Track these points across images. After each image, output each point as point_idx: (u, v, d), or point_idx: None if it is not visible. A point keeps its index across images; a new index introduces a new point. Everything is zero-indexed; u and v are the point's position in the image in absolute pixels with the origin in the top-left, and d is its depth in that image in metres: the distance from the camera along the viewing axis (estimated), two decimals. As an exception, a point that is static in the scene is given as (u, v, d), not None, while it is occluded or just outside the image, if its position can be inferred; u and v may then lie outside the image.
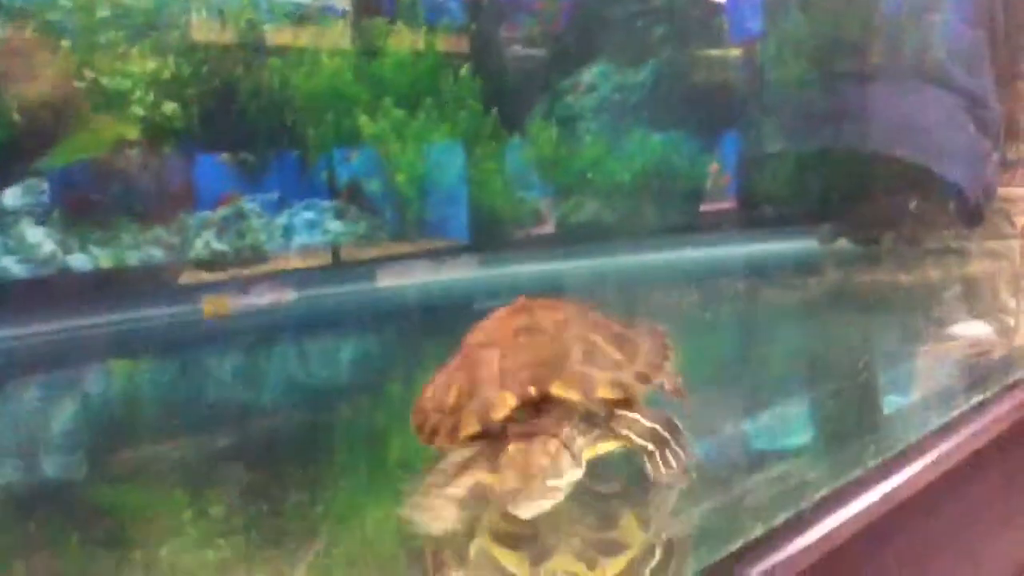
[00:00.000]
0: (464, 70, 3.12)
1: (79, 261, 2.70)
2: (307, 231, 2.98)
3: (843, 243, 3.30)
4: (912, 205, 3.17)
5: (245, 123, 2.91)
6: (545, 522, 0.89)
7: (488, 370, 0.94)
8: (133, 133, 2.75)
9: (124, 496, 1.23)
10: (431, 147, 3.07)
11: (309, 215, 2.99)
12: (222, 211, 2.90)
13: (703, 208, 3.58)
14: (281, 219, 2.96)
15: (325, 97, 2.96)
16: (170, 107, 2.78)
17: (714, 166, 3.56)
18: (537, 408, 0.91)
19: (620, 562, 0.87)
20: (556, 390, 0.90)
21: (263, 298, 2.69)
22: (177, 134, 2.80)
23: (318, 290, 2.81)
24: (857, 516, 1.01)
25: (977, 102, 3.20)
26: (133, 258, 2.78)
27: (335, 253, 3.04)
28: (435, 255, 3.02)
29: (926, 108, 3.20)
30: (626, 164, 3.31)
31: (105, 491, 1.25)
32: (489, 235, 3.16)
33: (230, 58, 2.91)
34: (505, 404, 0.89)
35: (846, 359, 1.78)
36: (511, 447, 0.86)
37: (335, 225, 3.02)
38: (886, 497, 1.07)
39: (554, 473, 0.84)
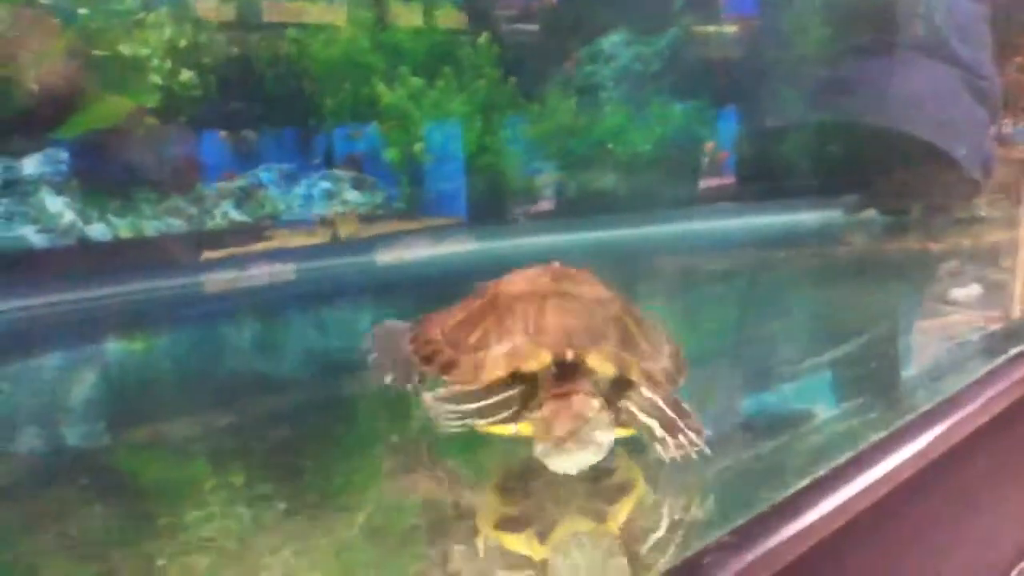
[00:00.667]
0: (483, 38, 3.08)
1: (98, 231, 2.71)
2: (324, 201, 2.97)
3: (871, 213, 3.26)
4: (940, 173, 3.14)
5: (261, 92, 2.89)
6: (543, 499, 0.89)
7: (522, 322, 0.93)
8: (151, 102, 2.75)
9: (141, 464, 1.23)
10: (442, 120, 3.03)
11: (326, 185, 2.98)
12: (240, 181, 2.89)
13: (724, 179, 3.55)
14: (299, 189, 2.95)
15: (342, 66, 2.93)
16: (187, 76, 2.77)
17: (710, 143, 3.50)
18: (560, 375, 0.90)
19: (628, 503, 0.86)
20: (592, 361, 0.90)
21: (262, 273, 2.67)
22: (195, 103, 2.79)
23: (317, 263, 2.78)
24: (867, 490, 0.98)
25: (977, 75, 3.17)
26: (151, 228, 2.78)
27: (334, 233, 3.00)
28: (439, 230, 3.00)
29: (928, 81, 3.17)
30: (646, 134, 3.26)
31: (119, 458, 1.25)
32: (501, 206, 3.13)
33: (245, 28, 2.90)
34: (540, 359, 0.89)
35: (864, 325, 1.78)
36: (551, 402, 0.85)
37: (353, 195, 3.00)
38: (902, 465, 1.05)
39: (597, 425, 0.83)
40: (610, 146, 3.21)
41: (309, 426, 1.31)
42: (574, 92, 3.23)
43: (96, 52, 2.65)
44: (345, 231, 2.95)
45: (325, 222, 2.96)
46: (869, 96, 3.21)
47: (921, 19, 3.19)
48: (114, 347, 2.13)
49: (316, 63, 2.93)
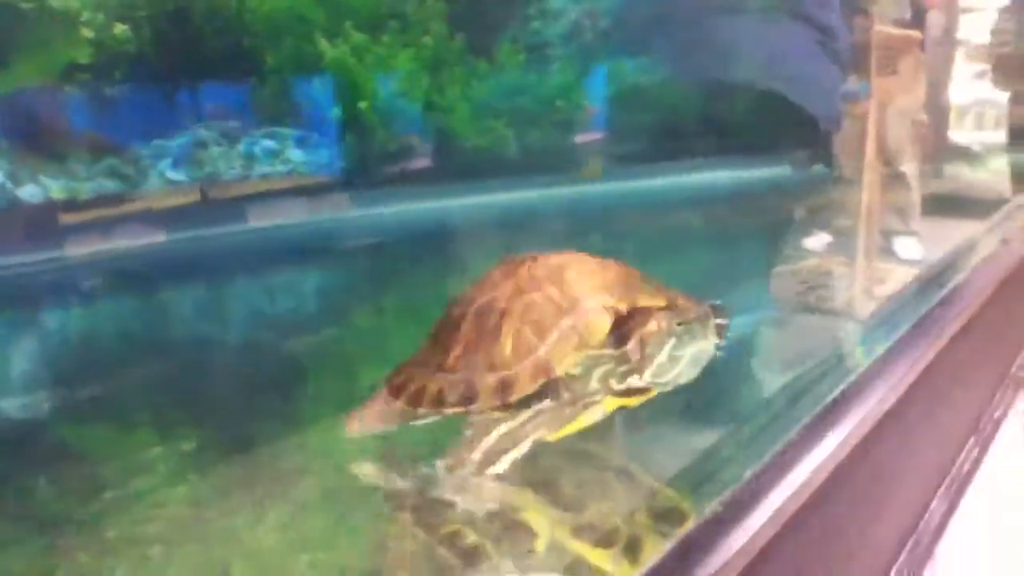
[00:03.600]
0: (430, -7, 3.02)
1: (29, 193, 2.62)
2: (268, 160, 2.89)
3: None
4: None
5: (199, 47, 2.80)
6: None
7: (551, 309, 0.86)
8: (84, 57, 2.65)
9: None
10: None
11: (270, 144, 2.90)
12: (179, 139, 2.81)
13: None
14: (240, 147, 2.88)
15: (284, 21, 2.86)
16: (120, 29, 2.67)
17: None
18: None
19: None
20: (644, 301, 0.87)
21: (133, 239, 2.56)
22: (129, 59, 2.70)
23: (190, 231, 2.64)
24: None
25: (828, 34, 3.22)
26: (85, 190, 2.69)
27: (203, 192, 2.89)
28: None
29: (785, 40, 3.22)
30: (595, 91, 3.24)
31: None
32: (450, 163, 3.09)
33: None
34: (600, 327, 0.84)
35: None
36: (653, 316, 0.85)
37: (296, 154, 2.93)
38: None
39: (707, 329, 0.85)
40: (559, 103, 3.18)
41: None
42: (523, 49, 3.19)
43: (23, 4, 2.54)
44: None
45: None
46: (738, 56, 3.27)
47: None
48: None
49: (257, 17, 2.85)
